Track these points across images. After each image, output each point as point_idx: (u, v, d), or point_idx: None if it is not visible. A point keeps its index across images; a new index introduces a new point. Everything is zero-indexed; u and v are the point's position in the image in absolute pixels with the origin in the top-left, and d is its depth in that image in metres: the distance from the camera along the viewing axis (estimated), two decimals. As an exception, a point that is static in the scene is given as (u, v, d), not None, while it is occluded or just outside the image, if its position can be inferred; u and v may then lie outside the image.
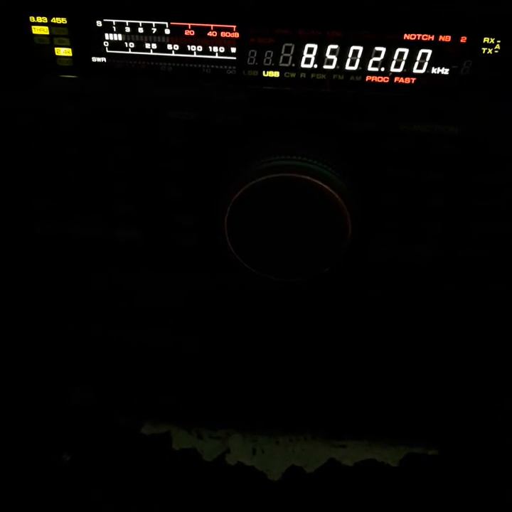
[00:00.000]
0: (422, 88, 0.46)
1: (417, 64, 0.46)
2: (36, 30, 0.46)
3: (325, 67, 0.46)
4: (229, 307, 0.59)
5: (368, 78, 0.47)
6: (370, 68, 0.46)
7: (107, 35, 0.47)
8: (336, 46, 0.45)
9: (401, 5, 0.44)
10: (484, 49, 0.44)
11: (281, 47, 0.46)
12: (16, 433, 0.68)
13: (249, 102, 0.48)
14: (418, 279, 0.54)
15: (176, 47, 0.47)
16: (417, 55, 0.45)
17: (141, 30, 0.46)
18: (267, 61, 0.46)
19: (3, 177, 0.53)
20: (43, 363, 0.66)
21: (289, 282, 0.50)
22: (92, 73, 0.48)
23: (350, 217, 0.46)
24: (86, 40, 0.47)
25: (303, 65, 0.46)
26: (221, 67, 0.47)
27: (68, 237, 0.55)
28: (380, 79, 0.46)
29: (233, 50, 0.46)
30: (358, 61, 0.46)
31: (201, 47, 0.46)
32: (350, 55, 0.46)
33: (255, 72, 0.47)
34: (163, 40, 0.46)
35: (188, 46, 0.47)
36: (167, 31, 0.46)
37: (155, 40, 0.46)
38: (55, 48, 0.47)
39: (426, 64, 0.45)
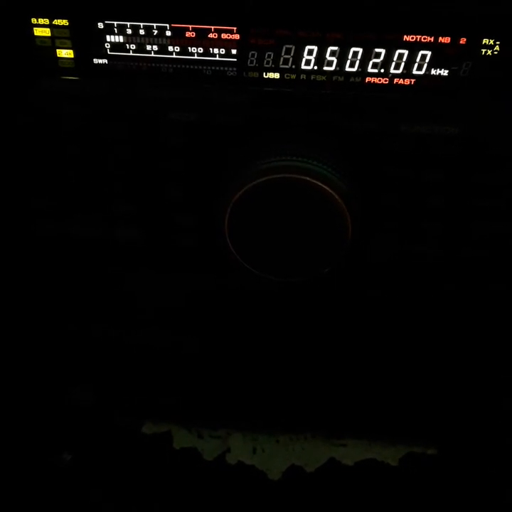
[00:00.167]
0: (421, 89, 0.46)
1: (416, 65, 0.46)
2: (38, 31, 0.46)
3: (325, 68, 0.46)
4: (229, 307, 0.60)
5: (367, 79, 0.47)
6: (369, 69, 0.46)
7: (108, 37, 0.47)
8: (335, 48, 0.46)
9: (400, 6, 0.44)
10: (484, 50, 0.45)
11: (282, 48, 0.46)
12: (16, 433, 0.68)
13: (249, 103, 0.48)
14: (418, 279, 0.54)
15: (177, 48, 0.47)
16: (416, 56, 0.45)
17: (142, 32, 0.46)
18: (268, 62, 0.47)
19: (3, 177, 0.53)
20: (42, 363, 0.66)
21: (289, 282, 0.50)
22: (93, 75, 0.48)
23: (350, 217, 0.46)
24: (87, 42, 0.47)
25: (303, 66, 0.47)
26: (222, 68, 0.47)
27: (68, 237, 0.55)
28: (379, 80, 0.47)
29: (234, 51, 0.46)
30: (357, 62, 0.46)
31: (202, 48, 0.47)
32: (350, 56, 0.46)
33: (256, 74, 0.47)
34: (164, 42, 0.46)
35: (189, 48, 0.47)
36: (168, 33, 0.46)
37: (156, 42, 0.47)
38: (57, 50, 0.47)
39: (425, 65, 0.46)
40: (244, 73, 0.47)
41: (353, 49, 0.46)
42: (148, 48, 0.47)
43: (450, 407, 0.64)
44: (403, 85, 0.47)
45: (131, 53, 0.47)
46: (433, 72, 0.46)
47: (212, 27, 0.46)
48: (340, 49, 0.46)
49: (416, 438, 0.67)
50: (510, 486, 0.64)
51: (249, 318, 0.60)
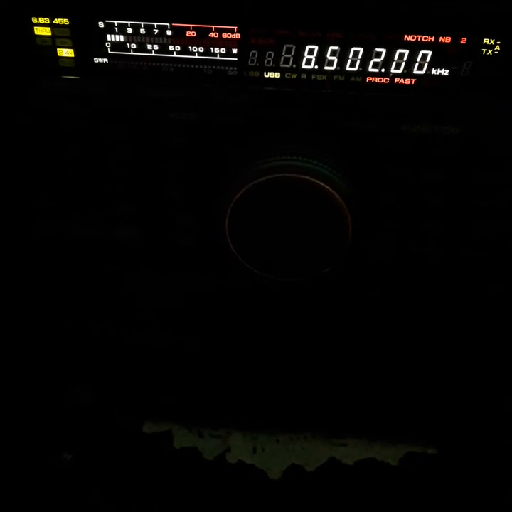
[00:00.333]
0: (422, 89, 0.47)
1: (417, 65, 0.46)
2: (38, 31, 0.46)
3: (326, 68, 0.46)
4: (229, 307, 0.60)
5: (368, 79, 0.47)
6: (370, 69, 0.46)
7: (108, 36, 0.47)
8: (336, 47, 0.46)
9: (401, 6, 0.44)
10: (484, 50, 0.45)
11: (282, 48, 0.46)
12: (16, 433, 0.68)
13: (250, 102, 0.48)
14: (418, 279, 0.54)
15: (178, 48, 0.47)
16: (417, 56, 0.45)
17: (142, 31, 0.46)
18: (268, 62, 0.47)
19: (3, 177, 0.53)
20: (42, 363, 0.66)
21: (290, 282, 0.50)
22: (94, 74, 0.48)
23: (350, 217, 0.46)
24: (88, 41, 0.47)
25: (303, 65, 0.47)
26: (222, 68, 0.47)
27: (68, 237, 0.55)
28: (380, 80, 0.47)
29: (234, 51, 0.46)
30: (358, 62, 0.46)
31: (202, 48, 0.47)
32: (350, 56, 0.46)
33: (256, 73, 0.47)
34: (165, 41, 0.46)
35: (190, 47, 0.47)
36: (169, 32, 0.46)
37: (157, 41, 0.47)
38: (57, 49, 0.47)
39: (426, 65, 0.46)
40: (244, 73, 0.47)
41: (353, 49, 0.46)
42: (149, 47, 0.47)
43: (450, 406, 0.64)
44: (404, 85, 0.47)
45: (131, 53, 0.47)
46: (433, 71, 0.46)
47: (213, 26, 0.46)
48: (340, 49, 0.46)
49: (416, 438, 0.67)
50: (510, 486, 0.64)
51: (250, 318, 0.60)
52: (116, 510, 0.65)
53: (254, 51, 0.46)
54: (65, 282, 0.60)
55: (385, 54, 0.46)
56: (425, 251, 0.52)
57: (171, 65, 0.47)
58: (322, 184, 0.45)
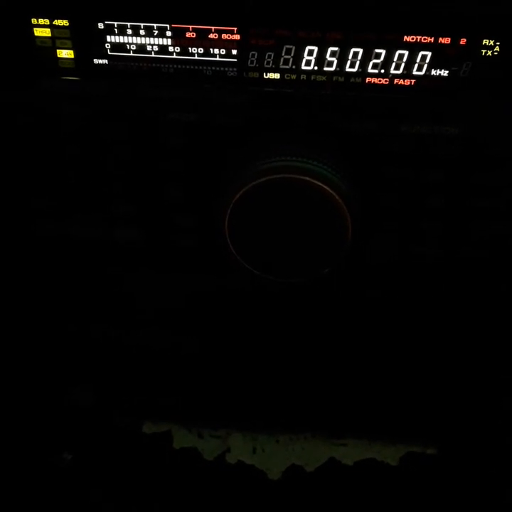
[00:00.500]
0: (421, 89, 0.47)
1: (416, 66, 0.46)
2: (38, 32, 0.46)
3: (325, 68, 0.46)
4: (229, 307, 0.60)
5: (368, 80, 0.47)
6: (370, 70, 0.46)
7: (108, 37, 0.47)
8: (336, 48, 0.46)
9: (401, 7, 0.44)
10: (484, 50, 0.45)
11: (282, 49, 0.46)
12: (16, 433, 0.68)
13: (249, 103, 0.48)
14: (418, 279, 0.54)
15: (177, 49, 0.47)
16: (416, 56, 0.45)
17: (142, 32, 0.46)
18: (268, 63, 0.47)
19: (3, 177, 0.53)
20: (42, 363, 0.66)
21: (290, 283, 0.50)
22: (93, 75, 0.48)
23: (350, 218, 0.46)
24: (88, 42, 0.47)
25: (303, 66, 0.47)
26: (222, 68, 0.47)
27: (68, 237, 0.55)
28: (380, 80, 0.47)
29: (234, 52, 0.46)
30: (358, 63, 0.46)
31: (202, 49, 0.47)
32: (350, 56, 0.46)
33: (256, 74, 0.47)
34: (165, 43, 0.47)
35: (189, 48, 0.47)
36: (168, 33, 0.46)
37: (156, 42, 0.47)
38: (57, 50, 0.47)
39: (426, 65, 0.46)
40: (244, 73, 0.47)
41: (353, 49, 0.46)
42: (149, 48, 0.47)
43: (450, 406, 0.64)
44: (403, 86, 0.47)
45: (131, 53, 0.47)
46: (433, 72, 0.46)
47: (213, 27, 0.46)
48: (340, 49, 0.46)
49: (416, 438, 0.67)
50: (510, 486, 0.64)
51: (249, 319, 0.60)
52: (116, 510, 0.65)
53: (253, 52, 0.46)
54: (65, 282, 0.60)
55: (385, 55, 0.46)
56: (425, 251, 0.52)
57: (170, 66, 0.47)
58: (322, 185, 0.45)
